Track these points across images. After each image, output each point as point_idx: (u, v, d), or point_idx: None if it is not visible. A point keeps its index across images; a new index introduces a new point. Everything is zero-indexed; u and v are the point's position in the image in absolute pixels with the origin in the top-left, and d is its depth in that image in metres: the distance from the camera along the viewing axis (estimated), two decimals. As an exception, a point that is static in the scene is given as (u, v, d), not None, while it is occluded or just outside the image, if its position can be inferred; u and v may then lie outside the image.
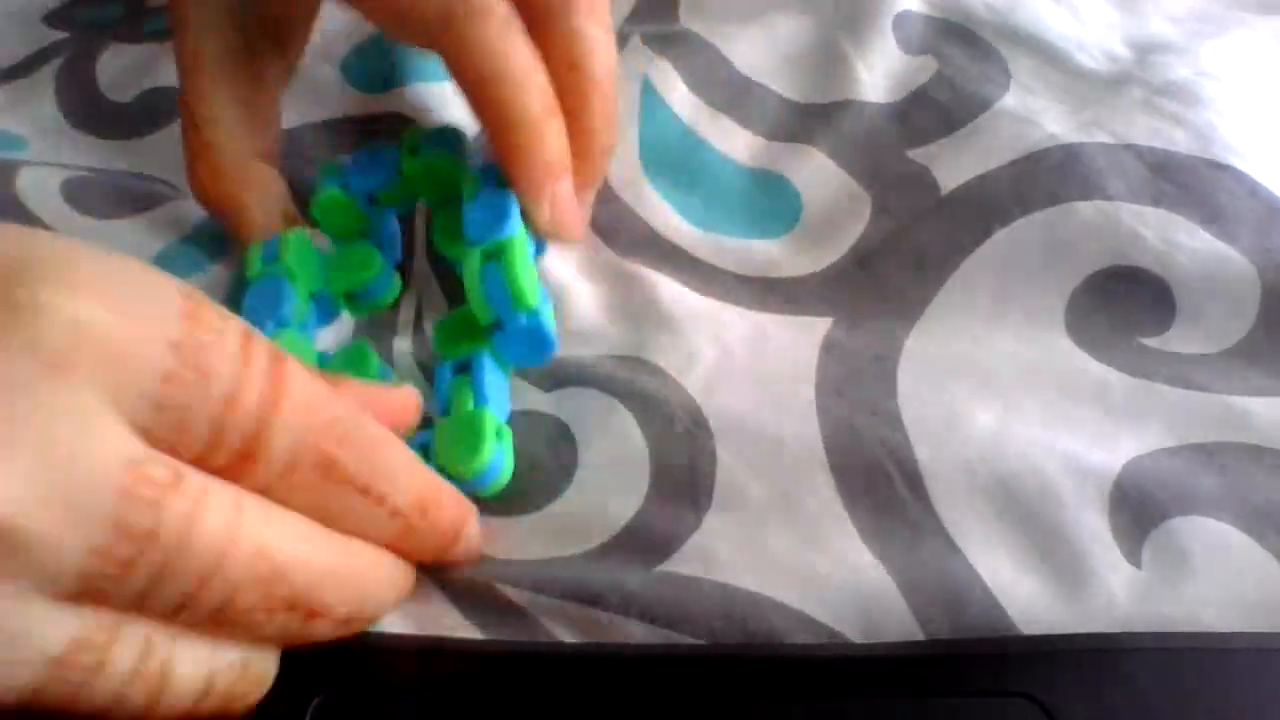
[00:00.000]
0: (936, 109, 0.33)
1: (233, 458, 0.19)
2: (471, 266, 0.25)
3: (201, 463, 0.19)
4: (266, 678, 0.22)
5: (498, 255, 0.25)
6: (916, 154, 0.32)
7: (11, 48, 0.38)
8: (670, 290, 0.30)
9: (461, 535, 0.23)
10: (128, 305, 0.18)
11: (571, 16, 0.26)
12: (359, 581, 0.21)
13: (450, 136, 0.29)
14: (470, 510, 0.24)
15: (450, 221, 0.28)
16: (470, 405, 0.25)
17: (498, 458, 0.25)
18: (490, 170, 0.27)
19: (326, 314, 0.29)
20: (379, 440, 0.21)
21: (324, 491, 0.20)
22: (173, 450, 0.19)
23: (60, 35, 0.39)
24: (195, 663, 0.20)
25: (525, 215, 0.27)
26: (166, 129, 0.35)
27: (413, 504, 0.22)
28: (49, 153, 0.34)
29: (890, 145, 0.33)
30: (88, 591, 0.18)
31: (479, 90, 0.25)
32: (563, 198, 0.26)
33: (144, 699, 0.19)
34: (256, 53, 0.29)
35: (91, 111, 0.36)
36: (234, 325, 0.20)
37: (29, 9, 0.41)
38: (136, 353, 0.18)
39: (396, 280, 0.30)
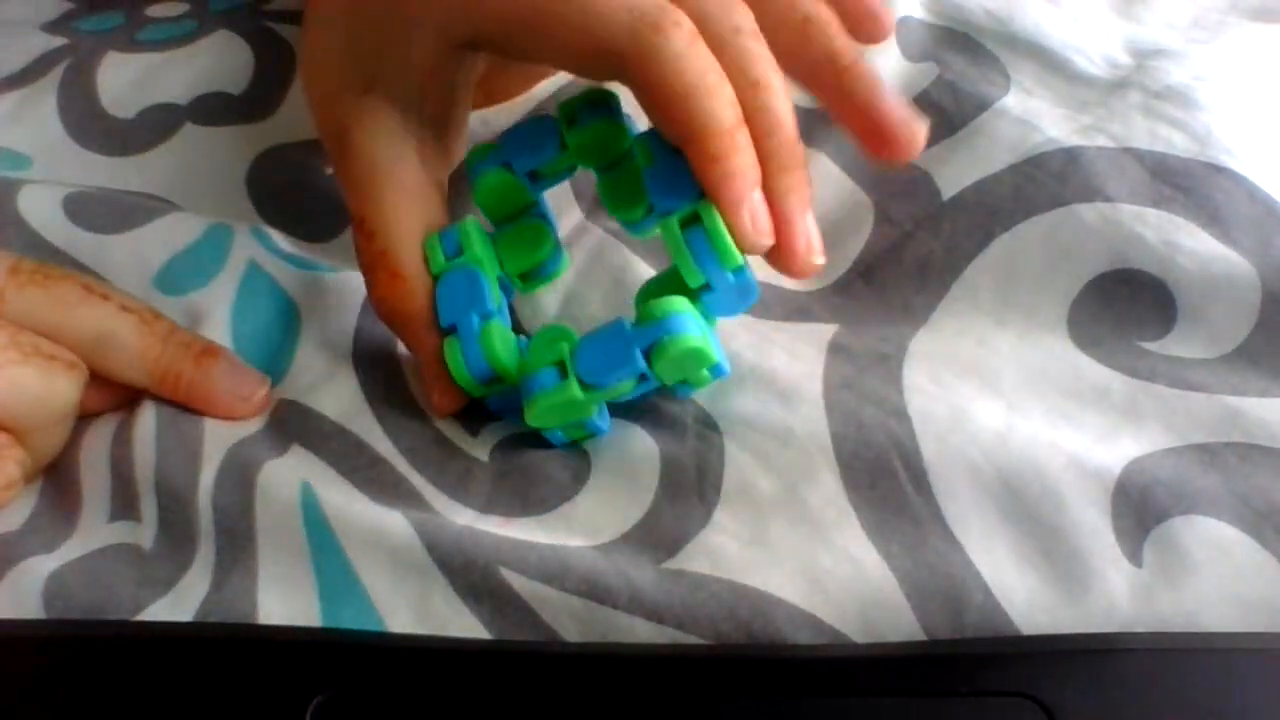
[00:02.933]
0: (938, 112, 0.33)
1: None
2: (674, 234, 0.25)
3: None
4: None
5: (695, 220, 0.25)
6: (918, 158, 0.32)
7: (11, 56, 0.38)
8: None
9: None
10: None
11: (743, 38, 0.26)
12: None
13: (604, 100, 0.29)
14: None
15: (617, 185, 0.28)
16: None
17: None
18: (655, 136, 0.27)
19: (506, 296, 0.29)
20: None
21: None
22: None
23: (60, 41, 0.38)
24: None
25: (729, 229, 0.26)
26: (167, 145, 0.35)
27: None
28: (52, 170, 0.34)
29: None
30: None
31: (672, 104, 0.25)
32: (760, 207, 0.26)
33: None
34: (424, 154, 0.29)
35: (94, 128, 0.36)
36: None
37: (27, 18, 0.41)
38: None
39: (565, 253, 0.29)
